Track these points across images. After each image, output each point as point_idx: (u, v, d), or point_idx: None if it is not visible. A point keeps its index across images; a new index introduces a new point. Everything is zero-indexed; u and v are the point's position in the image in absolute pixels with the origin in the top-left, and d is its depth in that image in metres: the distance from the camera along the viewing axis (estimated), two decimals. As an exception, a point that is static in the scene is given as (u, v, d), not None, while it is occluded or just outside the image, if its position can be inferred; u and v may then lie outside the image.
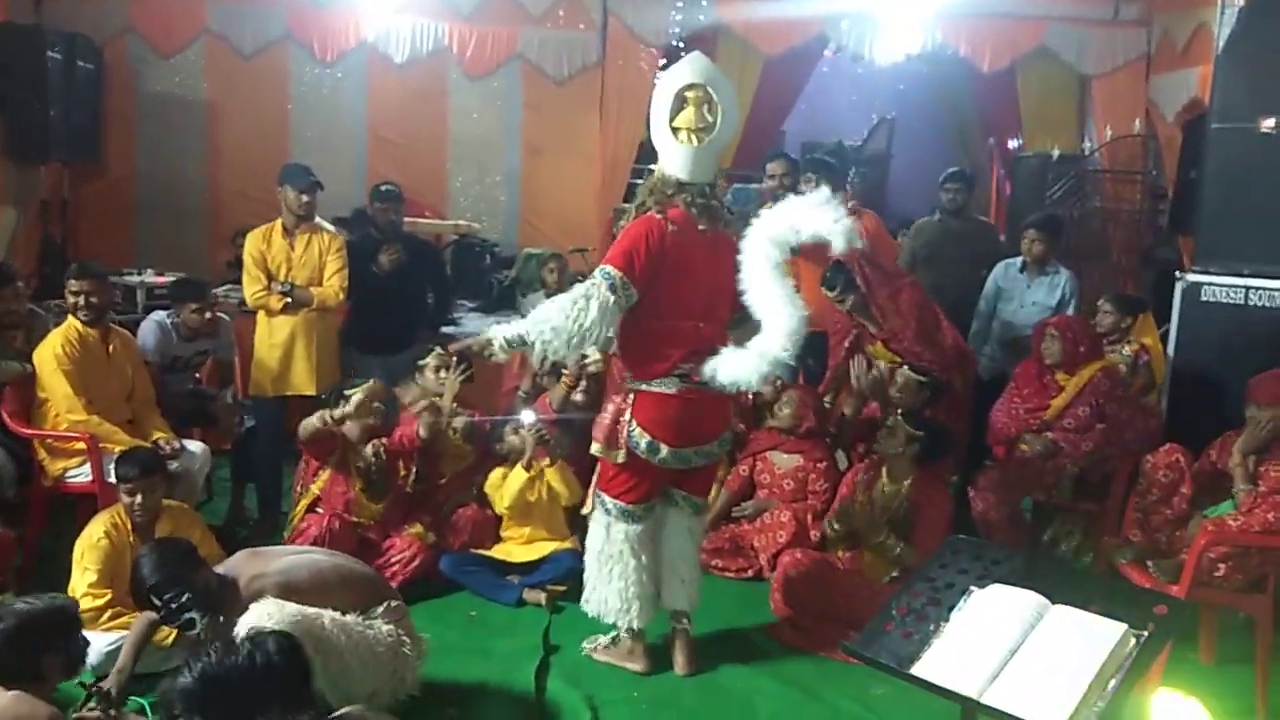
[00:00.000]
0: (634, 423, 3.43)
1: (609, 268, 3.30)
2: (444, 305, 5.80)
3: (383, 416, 4.28)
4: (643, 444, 3.43)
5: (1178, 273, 4.81)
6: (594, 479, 3.80)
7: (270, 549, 3.31)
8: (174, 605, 2.91)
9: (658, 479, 3.55)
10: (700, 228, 3.40)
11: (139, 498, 3.58)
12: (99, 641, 3.14)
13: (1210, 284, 4.59)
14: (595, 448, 3.56)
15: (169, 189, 7.11)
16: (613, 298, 3.25)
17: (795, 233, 3.27)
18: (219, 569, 3.07)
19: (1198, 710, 2.74)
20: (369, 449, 4.20)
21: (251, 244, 4.73)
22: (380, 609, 3.12)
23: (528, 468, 4.35)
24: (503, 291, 6.90)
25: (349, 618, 2.97)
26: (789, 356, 3.25)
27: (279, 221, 4.76)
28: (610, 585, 3.56)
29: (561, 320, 3.24)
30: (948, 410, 4.52)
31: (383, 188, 5.35)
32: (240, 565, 3.05)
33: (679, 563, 3.66)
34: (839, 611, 3.86)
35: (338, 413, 4.15)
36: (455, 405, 4.47)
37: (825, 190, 3.41)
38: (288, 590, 2.92)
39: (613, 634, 3.72)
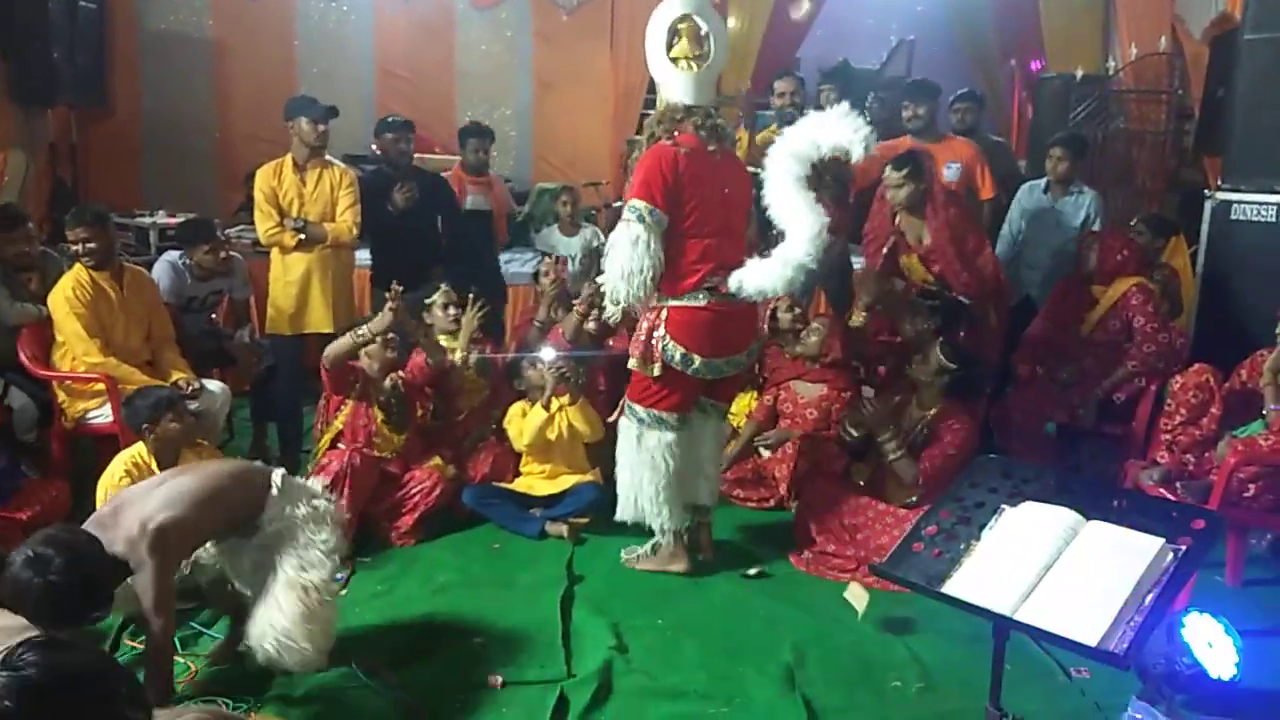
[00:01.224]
0: (667, 336, 3.59)
1: (634, 201, 3.50)
2: (456, 240, 5.73)
3: (398, 349, 4.25)
4: (677, 356, 3.59)
5: (1206, 191, 4.71)
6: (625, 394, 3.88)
7: (132, 489, 2.99)
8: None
9: (691, 389, 3.72)
10: (710, 149, 3.56)
11: (185, 419, 3.61)
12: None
13: (1240, 202, 4.49)
14: (631, 362, 3.71)
15: (177, 129, 7.04)
16: (642, 228, 3.45)
17: (816, 147, 3.44)
18: (100, 528, 2.73)
19: (1225, 629, 2.73)
20: (387, 382, 4.19)
21: (262, 180, 4.66)
22: (264, 515, 2.92)
23: (546, 406, 4.32)
24: (516, 228, 6.82)
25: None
26: (812, 261, 3.43)
27: (289, 156, 4.68)
28: (643, 491, 3.73)
29: (616, 267, 3.49)
30: (979, 341, 4.45)
31: (389, 119, 5.25)
32: (122, 515, 2.75)
33: (706, 463, 3.88)
34: (861, 540, 3.86)
35: (367, 328, 4.08)
36: (471, 341, 4.45)
37: (844, 105, 3.52)
38: (178, 523, 2.72)
39: (650, 543, 3.86)
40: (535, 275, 5.28)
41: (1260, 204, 4.43)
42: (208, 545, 2.99)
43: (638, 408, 3.71)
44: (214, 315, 5.11)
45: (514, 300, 6.14)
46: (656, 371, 3.62)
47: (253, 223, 4.89)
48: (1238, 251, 4.49)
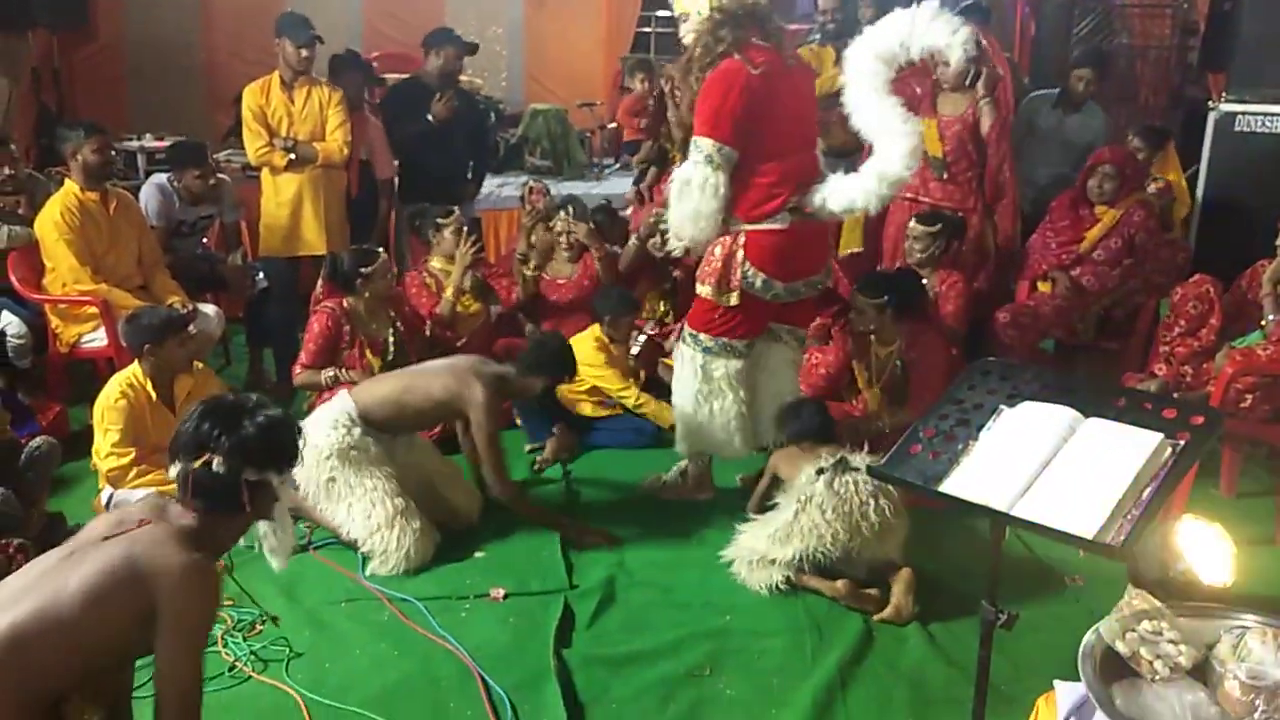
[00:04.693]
0: (747, 263, 3.35)
1: (701, 140, 3.22)
2: (486, 160, 5.67)
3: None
4: (758, 282, 3.36)
5: (1210, 103, 4.64)
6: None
7: None
8: None
9: (766, 315, 3.52)
10: (787, 56, 3.31)
11: (187, 343, 3.60)
12: (130, 499, 3.16)
13: (1244, 113, 4.45)
14: (704, 290, 3.45)
15: (162, 51, 6.89)
16: (711, 171, 3.21)
17: (905, 48, 3.12)
18: None
19: (1220, 534, 2.76)
20: (389, 334, 4.08)
21: (250, 98, 4.57)
22: None
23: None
24: (510, 150, 6.72)
25: None
26: (910, 174, 3.21)
27: (276, 74, 4.58)
28: (713, 420, 3.54)
29: (686, 209, 3.27)
30: (972, 251, 4.40)
31: (455, 34, 5.12)
32: None
33: (784, 396, 3.60)
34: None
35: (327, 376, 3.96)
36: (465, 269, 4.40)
37: (934, 2, 3.14)
38: None
39: (675, 469, 3.77)
40: (523, 199, 5.18)
41: (1265, 115, 4.40)
42: None
43: (703, 336, 3.49)
44: (205, 239, 5.05)
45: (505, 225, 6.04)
46: (734, 300, 3.39)
47: (242, 146, 4.81)
48: (1240, 163, 4.46)
